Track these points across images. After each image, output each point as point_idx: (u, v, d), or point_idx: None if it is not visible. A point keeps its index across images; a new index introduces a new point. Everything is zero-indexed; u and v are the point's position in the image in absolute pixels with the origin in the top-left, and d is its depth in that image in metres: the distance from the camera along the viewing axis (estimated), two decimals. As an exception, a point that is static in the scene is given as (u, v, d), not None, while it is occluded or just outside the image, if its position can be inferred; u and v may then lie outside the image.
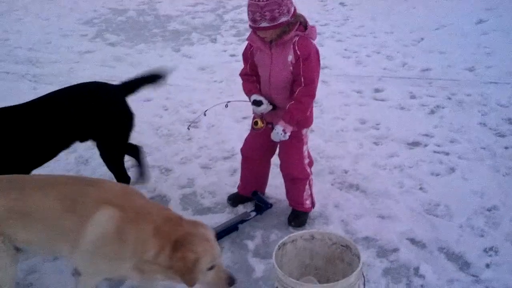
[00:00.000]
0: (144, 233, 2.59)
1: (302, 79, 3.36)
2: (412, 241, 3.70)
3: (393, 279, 3.36)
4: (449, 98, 5.87)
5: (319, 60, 3.44)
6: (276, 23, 3.22)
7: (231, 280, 2.70)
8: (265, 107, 3.54)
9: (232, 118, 5.49)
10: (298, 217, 3.89)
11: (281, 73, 3.44)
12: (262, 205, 3.97)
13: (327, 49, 7.50)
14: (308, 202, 3.88)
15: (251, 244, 3.70)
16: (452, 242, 3.66)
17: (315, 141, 4.95)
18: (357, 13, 9.38)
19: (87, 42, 8.18)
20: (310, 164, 3.89)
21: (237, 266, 3.50)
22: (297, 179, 3.81)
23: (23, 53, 7.72)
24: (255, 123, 3.63)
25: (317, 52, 3.42)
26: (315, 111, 5.38)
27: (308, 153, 3.85)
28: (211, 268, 2.61)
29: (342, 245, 2.92)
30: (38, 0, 10.26)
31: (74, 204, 2.63)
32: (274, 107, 3.58)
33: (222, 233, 3.70)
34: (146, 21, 9.29)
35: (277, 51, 3.39)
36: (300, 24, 3.34)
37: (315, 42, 3.47)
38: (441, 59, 7.04)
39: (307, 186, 3.84)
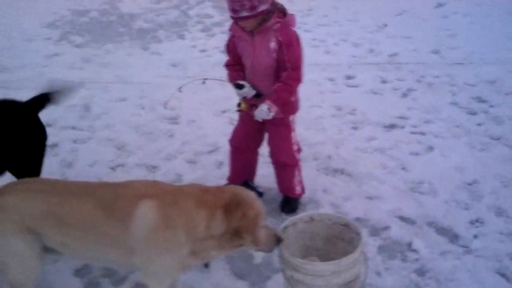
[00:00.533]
0: (188, 209, 2.59)
1: (288, 64, 3.43)
2: (402, 218, 3.84)
3: (388, 256, 3.49)
4: (419, 81, 6.07)
5: (301, 45, 3.51)
6: (256, 12, 3.27)
7: (278, 238, 2.76)
8: (247, 90, 3.59)
9: (211, 112, 5.54)
10: (289, 203, 3.99)
11: (264, 60, 3.50)
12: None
13: (295, 39, 7.60)
14: (298, 188, 3.97)
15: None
16: (440, 217, 3.82)
17: (296, 129, 5.05)
18: (320, 3, 9.51)
19: (52, 45, 8.05)
20: (298, 150, 3.98)
21: (236, 254, 3.56)
22: (287, 165, 3.89)
23: (-13, 59, 7.57)
24: (239, 104, 3.67)
25: (298, 37, 3.49)
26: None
27: (296, 140, 3.94)
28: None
29: (341, 224, 3.02)
30: (-5, 5, 10.03)
31: (112, 209, 2.63)
32: (258, 95, 3.63)
33: None
34: (110, 20, 9.19)
35: (259, 39, 3.45)
36: (279, 11, 3.42)
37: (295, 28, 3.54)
38: (406, 43, 7.25)
39: (296, 172, 3.93)
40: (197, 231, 2.59)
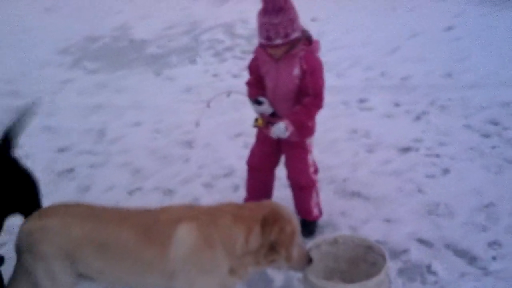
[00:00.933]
0: (225, 226, 2.61)
1: (311, 91, 3.49)
2: (420, 241, 3.84)
3: (408, 278, 3.50)
4: (432, 104, 6.09)
5: (323, 73, 3.58)
6: (289, 39, 3.33)
7: (310, 258, 2.78)
8: (265, 107, 3.64)
9: (226, 136, 5.59)
10: (307, 226, 3.98)
11: (287, 85, 3.56)
12: None
13: (307, 63, 7.68)
14: (316, 210, 3.99)
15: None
16: (458, 239, 3.82)
17: (313, 151, 5.09)
18: (330, 28, 9.59)
19: (65, 71, 8.17)
20: (315, 172, 4.01)
21: (256, 277, 3.56)
22: (304, 187, 3.91)
23: (2, 86, 7.65)
24: (256, 120, 3.70)
25: (322, 65, 3.56)
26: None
27: (313, 161, 3.97)
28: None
29: (365, 246, 3.04)
30: (11, 32, 10.17)
31: (150, 234, 2.65)
32: (275, 114, 3.66)
33: None
34: (123, 46, 9.32)
35: (283, 65, 3.51)
36: (306, 38, 3.47)
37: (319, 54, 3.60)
38: (418, 66, 7.28)
39: (314, 194, 3.95)
40: (236, 247, 2.61)
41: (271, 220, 2.60)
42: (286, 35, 3.30)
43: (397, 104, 6.17)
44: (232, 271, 2.66)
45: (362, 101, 6.35)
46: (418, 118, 5.79)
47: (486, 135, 5.31)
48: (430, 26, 8.90)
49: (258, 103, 3.64)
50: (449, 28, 8.66)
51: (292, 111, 3.55)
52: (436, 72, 6.95)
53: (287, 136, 3.55)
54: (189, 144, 5.55)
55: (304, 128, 3.69)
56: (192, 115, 6.16)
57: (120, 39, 9.80)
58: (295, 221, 2.71)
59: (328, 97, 6.31)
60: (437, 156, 4.97)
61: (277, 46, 3.35)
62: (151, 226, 2.68)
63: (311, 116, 3.61)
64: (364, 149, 5.20)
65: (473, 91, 6.27)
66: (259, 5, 3.40)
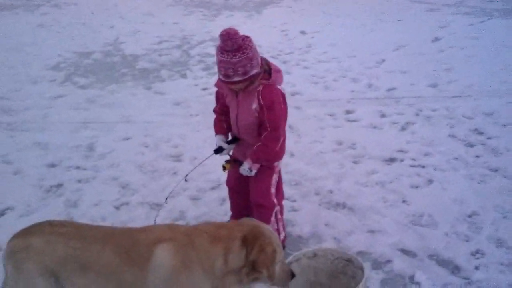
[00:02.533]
0: (203, 247, 2.61)
1: (268, 125, 3.49)
2: (403, 251, 3.88)
3: (391, 289, 3.53)
4: (417, 114, 6.17)
5: (284, 104, 3.57)
6: (247, 76, 3.33)
7: (292, 273, 2.77)
8: (227, 151, 3.75)
9: (213, 149, 5.61)
10: None
11: (247, 118, 3.57)
12: None
13: (295, 76, 7.78)
14: None
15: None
16: (441, 249, 3.87)
17: (297, 164, 5.15)
18: (318, 40, 9.73)
19: (57, 87, 8.20)
20: (280, 197, 3.93)
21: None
22: (262, 207, 3.77)
23: (-7, 102, 7.71)
24: (223, 167, 3.79)
25: (281, 98, 3.54)
26: (293, 136, 5.64)
27: (279, 185, 3.91)
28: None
29: (344, 259, 3.08)
30: (2, 49, 10.22)
31: (130, 255, 2.66)
32: (236, 139, 3.75)
33: None
34: (114, 61, 9.38)
35: (242, 99, 3.52)
36: (265, 71, 3.46)
37: (281, 86, 3.59)
38: (404, 78, 7.39)
39: (273, 218, 3.80)
40: (215, 268, 2.61)
41: (251, 239, 2.60)
42: (245, 73, 3.30)
43: (383, 115, 6.24)
44: None
45: (348, 112, 6.42)
46: (403, 129, 5.87)
47: (470, 145, 5.39)
48: (417, 37, 9.04)
49: (219, 151, 3.75)
50: (435, 39, 8.78)
51: (253, 149, 3.58)
52: (421, 83, 7.05)
53: (254, 173, 3.65)
54: (177, 157, 5.59)
55: (271, 156, 3.69)
56: (181, 129, 6.25)
57: (111, 54, 9.86)
58: (276, 239, 2.72)
59: (315, 109, 6.53)
60: (422, 166, 5.04)
61: (235, 82, 3.37)
62: (131, 247, 2.69)
63: (271, 151, 3.60)
64: (350, 160, 5.26)
65: (458, 102, 6.37)
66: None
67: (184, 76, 8.34)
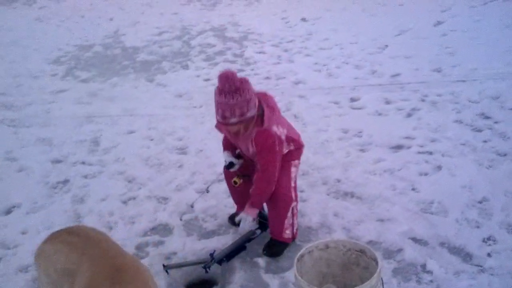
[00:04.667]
0: None
1: (260, 167, 3.58)
2: (414, 239, 3.86)
3: (403, 278, 3.50)
4: (423, 100, 6.12)
5: (277, 146, 3.53)
6: (244, 118, 3.37)
7: None
8: (237, 166, 3.82)
9: (217, 142, 5.53)
10: (273, 246, 3.87)
11: (248, 152, 3.70)
12: (266, 222, 4.07)
13: (298, 64, 7.74)
14: (288, 232, 3.82)
15: (261, 261, 3.79)
16: (452, 236, 3.83)
17: (303, 154, 5.09)
18: (319, 27, 9.66)
19: (58, 81, 8.17)
20: (296, 194, 3.88)
21: (252, 284, 3.59)
22: (280, 200, 3.72)
23: (-5, 98, 7.67)
24: (234, 182, 3.84)
25: (275, 142, 3.51)
26: (298, 125, 5.61)
27: (295, 183, 3.87)
28: None
29: (356, 250, 3.05)
30: (1, 44, 10.17)
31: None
32: (239, 156, 3.86)
33: (232, 253, 3.79)
34: (114, 54, 9.33)
35: (241, 141, 3.65)
36: (258, 116, 3.48)
37: (277, 126, 3.56)
38: (407, 63, 7.33)
39: (289, 213, 3.78)
40: None
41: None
42: (242, 114, 3.34)
43: (388, 102, 6.20)
44: None
45: (353, 100, 6.38)
46: (409, 115, 5.82)
47: (478, 130, 5.34)
48: (419, 21, 8.97)
49: (230, 166, 3.81)
50: (438, 23, 8.71)
51: (248, 198, 3.69)
52: (425, 68, 6.99)
53: (256, 221, 3.83)
54: (182, 150, 5.57)
55: (266, 196, 3.68)
56: (185, 121, 6.22)
57: (111, 47, 9.81)
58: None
59: (319, 97, 6.49)
60: (430, 153, 4.99)
61: (232, 124, 3.40)
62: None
63: (263, 193, 3.64)
64: (356, 149, 5.22)
65: (463, 86, 6.31)
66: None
67: (185, 67, 8.29)
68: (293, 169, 3.81)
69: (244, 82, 3.33)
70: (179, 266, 3.78)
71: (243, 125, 3.43)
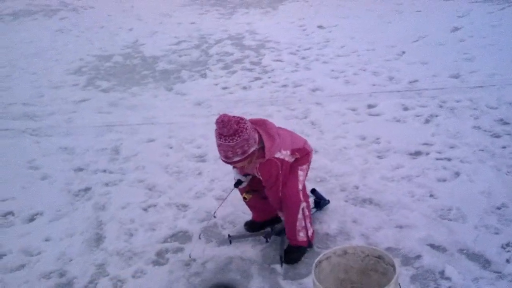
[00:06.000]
0: None
1: (281, 195, 3.80)
2: (433, 246, 3.86)
3: (421, 285, 3.51)
4: (441, 106, 6.13)
5: (281, 171, 3.67)
6: (247, 155, 3.46)
7: None
8: (245, 183, 3.93)
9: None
10: (290, 252, 3.90)
11: (256, 175, 3.83)
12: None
13: (315, 72, 7.78)
14: (302, 234, 3.84)
15: (279, 268, 3.82)
16: (470, 243, 3.83)
17: (321, 161, 5.15)
18: (336, 35, 9.70)
19: (79, 91, 8.30)
20: (305, 194, 3.93)
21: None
22: (288, 202, 3.79)
23: (18, 108, 7.80)
24: (244, 198, 3.98)
25: (277, 169, 3.65)
26: (316, 132, 5.65)
27: (304, 186, 3.92)
28: None
29: (374, 256, 3.07)
30: (23, 55, 10.37)
31: None
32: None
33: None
34: (134, 64, 9.46)
35: (248, 168, 3.77)
36: (259, 149, 3.55)
37: (280, 151, 3.64)
38: (425, 69, 7.33)
39: (300, 215, 3.81)
40: None
41: None
42: (243, 153, 3.42)
43: (406, 108, 6.21)
44: None
45: (371, 106, 6.40)
46: (427, 121, 5.82)
47: (496, 135, 5.33)
48: (436, 27, 8.96)
49: (239, 184, 3.90)
50: (455, 29, 8.70)
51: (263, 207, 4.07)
52: (443, 74, 6.99)
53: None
54: (201, 158, 5.63)
55: (293, 204, 3.80)
56: (203, 128, 6.29)
57: (131, 56, 9.95)
58: None
59: (336, 104, 6.52)
60: (448, 159, 5.00)
61: (236, 162, 3.49)
62: None
63: (294, 214, 3.80)
64: (374, 155, 5.24)
65: (481, 92, 6.30)
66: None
67: (204, 76, 8.37)
68: (300, 173, 3.86)
69: (240, 122, 3.41)
70: (242, 237, 4.20)
71: (247, 160, 3.52)
